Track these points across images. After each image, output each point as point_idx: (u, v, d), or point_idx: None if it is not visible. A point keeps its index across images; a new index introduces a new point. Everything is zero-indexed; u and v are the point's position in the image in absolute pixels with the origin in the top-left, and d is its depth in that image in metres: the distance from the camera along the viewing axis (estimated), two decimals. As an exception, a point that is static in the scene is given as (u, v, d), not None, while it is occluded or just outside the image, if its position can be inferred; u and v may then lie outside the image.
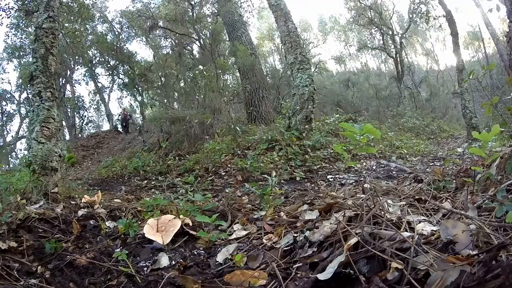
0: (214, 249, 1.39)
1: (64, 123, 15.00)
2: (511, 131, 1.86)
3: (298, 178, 3.78)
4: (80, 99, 18.02)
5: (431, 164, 4.40)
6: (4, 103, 18.67)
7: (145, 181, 5.11)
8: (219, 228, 1.63)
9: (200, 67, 9.87)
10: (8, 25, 11.43)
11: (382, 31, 15.61)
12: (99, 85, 17.93)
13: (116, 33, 14.40)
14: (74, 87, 17.63)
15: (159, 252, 1.38)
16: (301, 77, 5.68)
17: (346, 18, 20.21)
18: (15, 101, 18.78)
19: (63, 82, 15.23)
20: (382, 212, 1.10)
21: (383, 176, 3.47)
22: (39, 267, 1.27)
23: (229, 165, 4.64)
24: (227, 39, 10.14)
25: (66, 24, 11.30)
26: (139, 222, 1.74)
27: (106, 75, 17.16)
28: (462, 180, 1.50)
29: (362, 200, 1.33)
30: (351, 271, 0.82)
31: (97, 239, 1.60)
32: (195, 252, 1.40)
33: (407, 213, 1.11)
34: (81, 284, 1.17)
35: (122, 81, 15.10)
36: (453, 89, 16.93)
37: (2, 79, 21.78)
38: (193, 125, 6.95)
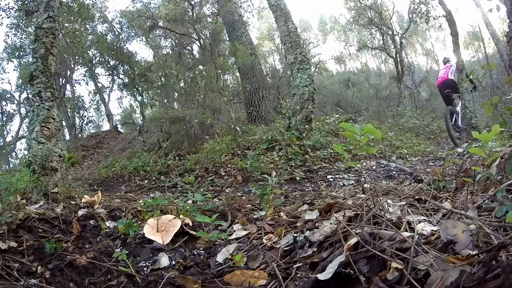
0: (214, 249, 1.39)
1: (64, 123, 15.00)
2: (511, 131, 1.86)
3: (298, 178, 3.77)
4: (80, 99, 18.04)
5: (431, 164, 4.40)
6: (4, 103, 18.70)
7: (145, 181, 5.11)
8: (219, 228, 1.63)
9: (200, 67, 9.86)
10: (8, 25, 11.43)
11: (382, 31, 15.59)
12: (99, 85, 17.93)
13: (116, 33, 14.37)
14: (74, 87, 17.63)
15: (159, 252, 1.38)
16: (301, 77, 5.68)
17: (346, 18, 20.28)
18: (15, 101, 18.81)
19: (63, 82, 15.21)
20: (382, 212, 1.10)
21: (383, 176, 3.47)
22: (39, 267, 1.27)
23: (229, 165, 4.64)
24: (227, 39, 10.14)
25: (66, 24, 11.30)
26: (139, 222, 1.74)
27: (106, 75, 17.14)
28: (462, 180, 1.50)
29: (362, 200, 1.33)
30: (351, 271, 0.82)
31: (97, 239, 1.60)
32: (195, 252, 1.40)
33: (407, 213, 1.11)
34: (81, 284, 1.17)
35: (122, 81, 15.09)
36: (453, 89, 16.87)
37: (2, 79, 21.85)
38: (193, 125, 6.95)
